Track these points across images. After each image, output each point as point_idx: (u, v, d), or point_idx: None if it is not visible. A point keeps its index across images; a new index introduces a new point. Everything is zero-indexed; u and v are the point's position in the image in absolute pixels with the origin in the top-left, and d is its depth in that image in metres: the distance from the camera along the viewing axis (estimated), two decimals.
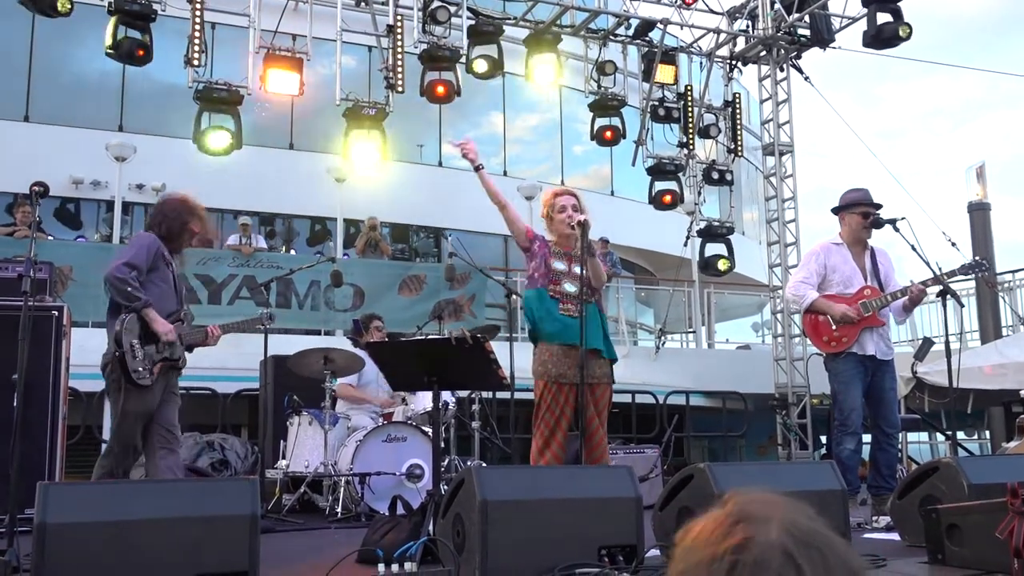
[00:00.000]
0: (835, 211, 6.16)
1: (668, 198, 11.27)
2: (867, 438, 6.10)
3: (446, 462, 7.13)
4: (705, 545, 0.97)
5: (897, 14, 10.42)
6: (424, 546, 3.85)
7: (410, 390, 6.96)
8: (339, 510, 6.57)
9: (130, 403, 4.76)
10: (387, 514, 4.96)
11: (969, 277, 5.93)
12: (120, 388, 4.73)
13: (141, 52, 8.64)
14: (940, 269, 5.71)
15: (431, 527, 4.10)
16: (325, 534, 5.99)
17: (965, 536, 3.78)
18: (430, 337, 6.53)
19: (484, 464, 7.38)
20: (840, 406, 5.88)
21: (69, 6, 8.43)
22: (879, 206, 6.02)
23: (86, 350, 6.30)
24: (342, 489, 6.68)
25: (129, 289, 4.69)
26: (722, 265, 11.50)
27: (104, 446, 4.98)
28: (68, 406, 6.23)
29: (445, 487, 4.20)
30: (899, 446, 6.77)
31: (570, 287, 4.93)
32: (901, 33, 10.37)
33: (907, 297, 5.78)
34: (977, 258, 6.06)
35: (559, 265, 4.99)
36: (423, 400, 7.14)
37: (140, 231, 5.14)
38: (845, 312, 5.77)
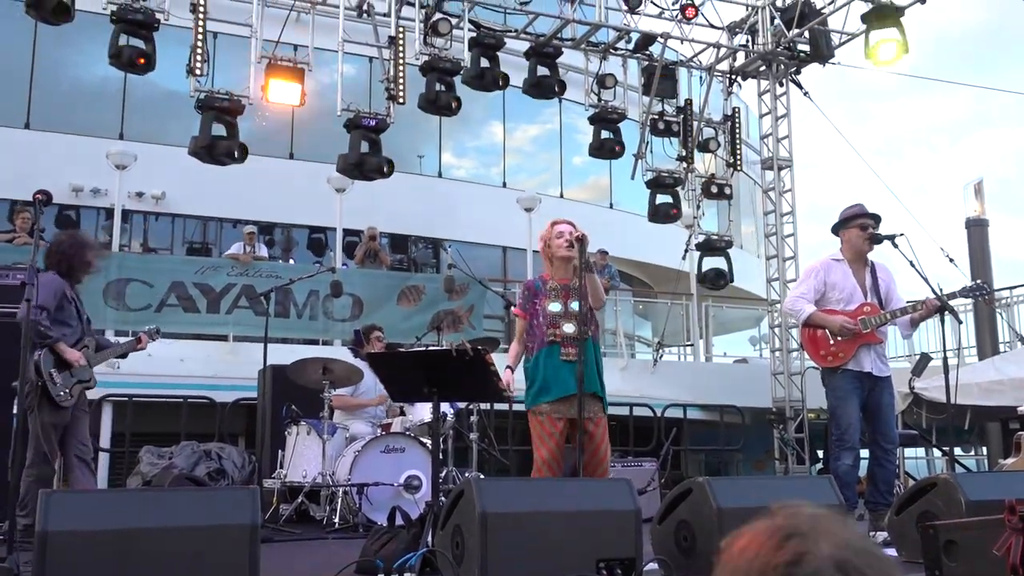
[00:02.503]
0: (834, 230, 6.19)
1: (675, 212, 11.32)
2: (864, 453, 6.11)
3: (444, 474, 7.13)
4: (755, 558, 0.99)
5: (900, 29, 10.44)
6: (423, 557, 3.86)
7: (409, 401, 6.97)
8: (336, 521, 6.56)
9: (52, 419, 5.36)
10: (385, 525, 4.96)
11: (969, 299, 5.95)
12: (38, 407, 5.30)
13: (141, 60, 8.62)
14: (941, 290, 5.73)
15: (430, 538, 4.10)
16: (323, 545, 5.99)
17: (962, 552, 3.79)
18: (431, 348, 6.54)
19: (482, 476, 7.38)
20: (837, 421, 5.88)
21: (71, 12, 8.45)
22: (877, 217, 6.05)
23: None
24: (340, 499, 6.67)
25: (41, 328, 5.26)
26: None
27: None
28: None
29: (443, 498, 4.20)
30: (897, 462, 6.78)
31: (569, 328, 4.90)
32: (883, 50, 10.39)
33: (918, 313, 5.80)
34: (979, 281, 6.07)
35: (555, 307, 4.97)
36: (421, 411, 7.14)
37: (45, 273, 5.54)
38: (844, 324, 5.79)
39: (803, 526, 1.00)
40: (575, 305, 4.88)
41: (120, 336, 8.72)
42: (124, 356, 6.17)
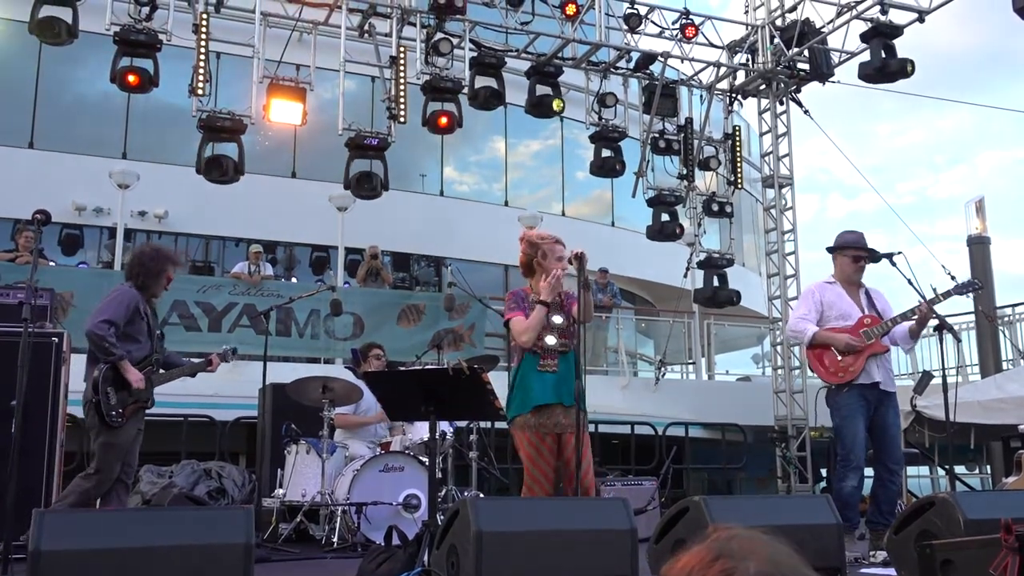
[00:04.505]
0: (829, 250, 6.21)
1: (680, 230, 11.36)
2: (868, 472, 6.08)
3: (443, 492, 7.12)
4: None
5: (891, 50, 10.51)
6: None
7: (408, 420, 6.96)
8: (335, 540, 6.54)
9: (110, 438, 5.24)
10: (383, 544, 4.95)
11: (964, 295, 5.94)
12: (100, 426, 5.21)
13: (135, 80, 8.64)
14: (936, 291, 5.73)
15: (426, 558, 4.09)
16: (321, 564, 5.97)
17: (959, 572, 3.77)
18: (427, 367, 6.53)
19: (481, 495, 7.36)
20: (842, 441, 5.85)
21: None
22: (871, 251, 6.05)
23: None
24: (339, 519, 6.66)
25: (107, 345, 5.15)
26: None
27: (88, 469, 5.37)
28: (66, 433, 6.23)
29: (441, 518, 4.19)
30: (900, 481, 6.75)
31: (551, 340, 4.87)
32: (908, 68, 10.44)
33: (915, 319, 5.78)
34: (972, 278, 6.07)
35: None
36: (421, 430, 7.13)
37: (120, 284, 5.48)
38: (849, 341, 5.79)
39: (734, 548, 1.06)
40: (557, 319, 4.87)
41: None
42: (193, 376, 5.92)
